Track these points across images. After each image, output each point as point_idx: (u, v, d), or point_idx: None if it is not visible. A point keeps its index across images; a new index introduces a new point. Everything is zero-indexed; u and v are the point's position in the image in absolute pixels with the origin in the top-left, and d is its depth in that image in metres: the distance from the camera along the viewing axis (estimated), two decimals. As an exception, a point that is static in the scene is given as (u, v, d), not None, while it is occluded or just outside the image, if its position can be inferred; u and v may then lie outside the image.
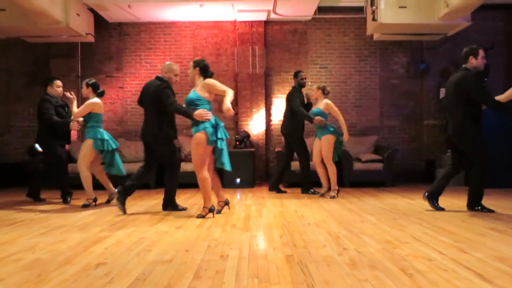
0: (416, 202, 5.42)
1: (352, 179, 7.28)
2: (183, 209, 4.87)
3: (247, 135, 7.88)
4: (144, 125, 4.78)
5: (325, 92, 6.01)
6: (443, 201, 4.91)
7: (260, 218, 4.35)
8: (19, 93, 8.41)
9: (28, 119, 8.37)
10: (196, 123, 4.21)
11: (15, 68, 8.43)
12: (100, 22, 8.11)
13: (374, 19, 6.93)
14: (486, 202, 4.60)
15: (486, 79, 7.03)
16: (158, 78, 4.74)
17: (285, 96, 6.48)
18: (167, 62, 4.88)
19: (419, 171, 8.25)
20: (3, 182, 7.54)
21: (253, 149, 7.73)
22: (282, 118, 6.65)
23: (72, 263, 2.71)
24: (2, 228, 3.95)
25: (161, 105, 4.56)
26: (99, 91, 5.37)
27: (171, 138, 4.84)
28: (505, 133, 6.83)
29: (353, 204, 5.31)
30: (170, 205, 4.85)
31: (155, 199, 5.88)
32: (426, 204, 5.18)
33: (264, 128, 8.32)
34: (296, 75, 6.51)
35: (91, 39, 7.82)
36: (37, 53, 8.32)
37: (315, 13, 8.17)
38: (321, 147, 5.87)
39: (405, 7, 6.80)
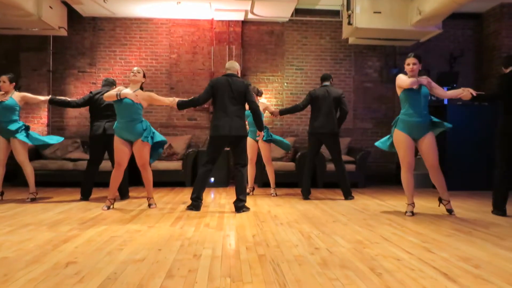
0: (386, 203, 5.55)
1: (325, 179, 7.38)
2: None
3: (222, 135, 7.86)
4: (230, 119, 4.72)
5: (258, 94, 6.17)
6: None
7: (234, 218, 4.37)
8: (-13, 86, 8.11)
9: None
10: None
11: (-18, 60, 8.14)
12: (73, 16, 7.93)
13: (349, 23, 7.08)
14: (453, 203, 4.76)
15: (455, 85, 7.28)
16: (234, 75, 4.85)
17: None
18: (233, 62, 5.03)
19: (390, 173, 8.46)
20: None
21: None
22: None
23: (41, 262, 2.65)
24: (-34, 225, 3.82)
25: (244, 101, 4.85)
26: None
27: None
28: (471, 135, 7.05)
29: (326, 204, 5.39)
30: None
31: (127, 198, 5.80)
32: (396, 205, 5.32)
33: (240, 128, 8.31)
34: None
35: (63, 33, 7.64)
36: (6, 45, 8.05)
37: (292, 15, 8.26)
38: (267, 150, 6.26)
39: (380, 12, 6.98)
